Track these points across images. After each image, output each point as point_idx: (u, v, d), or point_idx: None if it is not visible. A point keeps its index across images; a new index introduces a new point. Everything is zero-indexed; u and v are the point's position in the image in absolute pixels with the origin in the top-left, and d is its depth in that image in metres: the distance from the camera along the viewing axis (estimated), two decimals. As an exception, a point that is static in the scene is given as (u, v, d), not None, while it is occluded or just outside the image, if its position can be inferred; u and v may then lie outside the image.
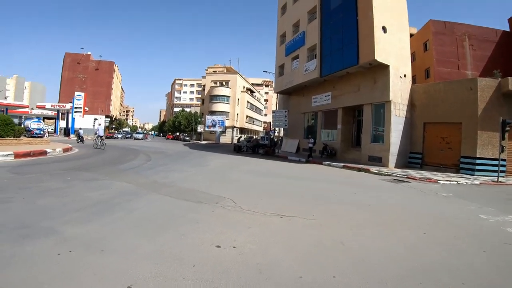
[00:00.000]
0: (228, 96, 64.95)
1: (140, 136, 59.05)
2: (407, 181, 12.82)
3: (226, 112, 63.37)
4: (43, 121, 46.72)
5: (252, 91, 79.97)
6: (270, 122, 35.05)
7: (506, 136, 14.18)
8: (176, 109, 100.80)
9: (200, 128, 63.47)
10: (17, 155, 12.90)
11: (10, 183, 7.78)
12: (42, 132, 27.96)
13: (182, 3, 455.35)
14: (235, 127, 65.41)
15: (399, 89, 18.72)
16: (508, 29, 32.33)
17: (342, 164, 18.12)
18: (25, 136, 28.62)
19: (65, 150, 17.41)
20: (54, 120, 56.30)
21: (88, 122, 52.18)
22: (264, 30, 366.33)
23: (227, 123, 61.05)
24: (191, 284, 2.99)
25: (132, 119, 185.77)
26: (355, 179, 13.03)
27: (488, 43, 31.46)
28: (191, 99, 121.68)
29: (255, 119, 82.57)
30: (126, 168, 12.17)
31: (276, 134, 32.98)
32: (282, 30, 31.60)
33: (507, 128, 13.91)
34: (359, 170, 16.23)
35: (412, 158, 19.08)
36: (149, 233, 4.51)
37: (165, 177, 10.17)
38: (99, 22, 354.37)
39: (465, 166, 16.49)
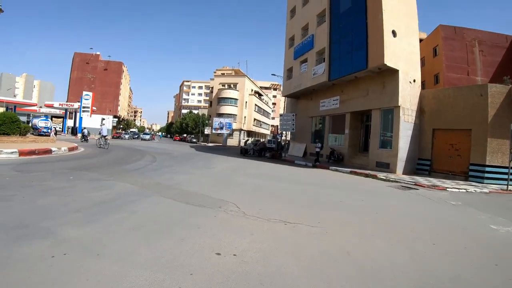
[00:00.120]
0: (236, 99, 64.88)
1: (147, 137, 59.15)
2: (415, 188, 12.54)
3: (233, 114, 63.27)
4: (51, 119, 47.09)
5: (260, 94, 79.87)
6: (278, 125, 34.88)
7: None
8: (184, 111, 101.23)
9: (207, 130, 63.50)
10: (21, 153, 12.88)
11: (13, 181, 7.73)
12: (49, 130, 28.05)
13: (192, 5, 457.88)
14: (242, 130, 65.29)
15: (408, 94, 18.43)
16: (518, 35, 31.88)
17: (349, 169, 17.87)
18: (32, 134, 28.78)
19: (71, 149, 17.42)
20: (62, 119, 56.66)
21: (96, 122, 52.55)
22: (273, 34, 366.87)
23: (234, 126, 60.93)
24: (187, 294, 2.83)
25: (140, 120, 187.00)
26: (362, 185, 12.77)
27: (498, 49, 31.08)
28: (199, 101, 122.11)
29: (263, 122, 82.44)
30: (131, 169, 12.08)
31: (284, 138, 32.75)
32: (291, 33, 31.44)
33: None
34: (367, 176, 15.97)
35: (420, 165, 18.75)
36: (148, 237, 4.36)
37: (169, 179, 10.05)
38: (108, 23, 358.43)
39: (474, 173, 16.11)
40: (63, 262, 3.32)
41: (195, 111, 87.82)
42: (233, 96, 64.72)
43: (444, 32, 31.08)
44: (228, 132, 58.31)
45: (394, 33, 17.99)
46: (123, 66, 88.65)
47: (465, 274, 3.82)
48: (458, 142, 17.12)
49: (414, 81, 18.94)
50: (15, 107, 41.55)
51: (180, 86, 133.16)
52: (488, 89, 16.03)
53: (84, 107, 51.82)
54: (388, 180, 14.71)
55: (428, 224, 6.47)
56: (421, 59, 20.55)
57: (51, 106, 55.02)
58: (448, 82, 28.65)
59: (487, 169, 15.62)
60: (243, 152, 29.41)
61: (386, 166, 18.30)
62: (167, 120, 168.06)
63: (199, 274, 3.26)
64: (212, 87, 72.35)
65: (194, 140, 61.87)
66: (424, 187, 13.07)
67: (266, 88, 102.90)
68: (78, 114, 53.11)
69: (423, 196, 10.71)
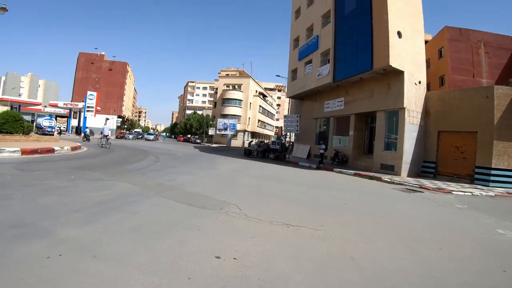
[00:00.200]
0: (240, 100, 64.84)
1: (151, 137, 59.24)
2: (420, 191, 12.36)
3: (238, 115, 63.23)
4: (56, 119, 47.24)
5: (264, 96, 79.79)
6: (282, 127, 34.80)
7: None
8: (188, 111, 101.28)
9: (211, 131, 63.49)
10: (24, 152, 12.85)
11: (14, 179, 7.69)
12: (53, 130, 28.14)
13: (197, 6, 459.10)
14: (246, 131, 65.23)
15: (414, 96, 18.24)
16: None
17: (353, 171, 17.70)
18: (37, 133, 28.85)
19: (74, 148, 17.40)
20: (66, 118, 56.89)
21: (100, 122, 52.63)
22: (278, 35, 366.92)
23: (238, 127, 60.87)
24: (184, 300, 2.72)
25: (145, 120, 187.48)
26: (366, 188, 12.62)
27: (504, 51, 30.81)
28: (204, 102, 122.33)
29: (267, 123, 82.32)
30: (133, 169, 12.00)
31: (288, 139, 32.66)
32: (296, 34, 31.34)
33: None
34: (371, 178, 15.80)
35: (425, 167, 18.54)
36: (147, 238, 4.26)
37: (171, 179, 9.96)
38: (113, 23, 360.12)
39: (479, 176, 15.87)
40: (58, 263, 3.23)
41: (199, 112, 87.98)
42: (238, 97, 64.68)
43: (449, 33, 30.85)
44: (232, 133, 58.24)
45: (399, 34, 17.83)
46: (127, 67, 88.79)
47: (472, 281, 3.69)
48: (464, 145, 16.90)
49: (420, 82, 18.74)
50: (19, 106, 41.66)
51: (185, 87, 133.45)
52: (494, 91, 15.80)
53: (88, 107, 51.96)
54: (393, 183, 14.54)
55: (434, 228, 6.33)
56: (426, 60, 20.37)
57: (55, 106, 55.22)
58: (454, 84, 28.43)
59: (493, 172, 15.38)
60: (247, 153, 29.37)
61: (391, 169, 18.11)
62: (172, 121, 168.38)
63: (197, 278, 3.15)
64: (217, 88, 72.35)
65: (198, 140, 61.92)
66: (429, 189, 12.89)
67: (270, 89, 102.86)
68: (82, 114, 53.28)
69: (428, 199, 10.54)
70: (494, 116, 15.54)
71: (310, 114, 29.16)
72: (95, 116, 53.04)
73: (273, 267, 3.61)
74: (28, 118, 49.45)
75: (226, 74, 78.54)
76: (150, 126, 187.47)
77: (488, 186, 15.00)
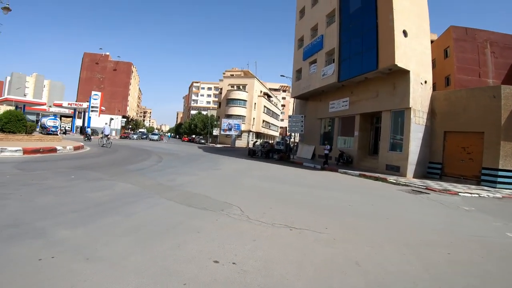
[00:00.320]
0: (245, 100, 64.67)
1: (156, 137, 59.24)
2: (426, 193, 12.14)
3: (242, 116, 63.06)
4: (60, 119, 47.38)
5: (269, 96, 79.59)
6: (286, 127, 34.63)
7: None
8: (193, 112, 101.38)
9: (215, 131, 63.46)
10: (26, 151, 12.79)
11: (13, 179, 7.60)
12: (57, 129, 28.25)
13: (201, 7, 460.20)
14: (251, 131, 65.05)
15: (419, 96, 17.99)
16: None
17: (358, 172, 17.49)
18: (41, 133, 28.92)
19: (76, 148, 17.33)
20: (71, 118, 57.07)
21: (104, 122, 52.69)
22: (283, 35, 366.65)
23: (243, 127, 60.73)
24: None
25: (149, 120, 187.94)
26: (371, 189, 12.42)
27: (510, 51, 30.37)
28: (208, 102, 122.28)
29: (272, 124, 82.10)
30: (135, 169, 11.88)
31: (292, 139, 32.46)
32: (300, 34, 31.15)
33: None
34: (376, 179, 15.59)
35: (431, 168, 18.28)
36: (143, 241, 4.11)
37: (172, 179, 9.81)
38: (118, 24, 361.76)
39: (486, 178, 15.61)
40: (50, 266, 3.13)
41: (204, 112, 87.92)
42: (242, 97, 64.52)
43: (455, 33, 30.49)
44: (236, 133, 58.13)
45: (405, 33, 17.59)
46: (132, 67, 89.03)
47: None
48: (470, 145, 16.63)
49: (426, 82, 18.49)
50: (24, 106, 41.79)
51: (189, 87, 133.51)
52: (501, 90, 15.53)
53: (92, 107, 52.08)
54: (398, 184, 14.32)
55: (441, 231, 6.12)
56: (432, 60, 20.12)
57: (60, 106, 55.39)
58: (459, 84, 28.08)
59: (500, 173, 15.13)
60: (251, 153, 29.27)
61: (396, 169, 17.87)
62: (176, 121, 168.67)
63: (193, 283, 2.99)
64: (221, 88, 72.26)
65: (203, 141, 61.89)
66: (436, 191, 12.68)
67: (275, 89, 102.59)
68: (86, 114, 53.41)
69: (435, 200, 10.34)
70: (501, 116, 15.28)
71: (315, 114, 28.96)
72: (99, 116, 53.13)
73: (273, 272, 3.43)
74: (33, 118, 49.92)
75: (230, 74, 78.40)
76: (155, 126, 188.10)
77: (495, 188, 14.76)
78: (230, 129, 57.45)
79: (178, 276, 3.13)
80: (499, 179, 15.10)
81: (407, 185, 13.98)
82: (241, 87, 66.93)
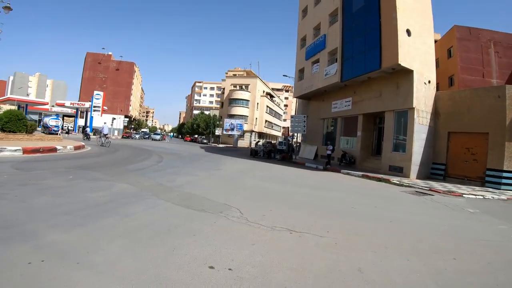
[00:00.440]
0: (248, 100, 64.57)
1: (158, 137, 59.21)
2: (430, 194, 11.94)
3: (245, 116, 62.97)
4: (63, 119, 47.44)
5: (271, 96, 79.48)
6: (289, 127, 34.49)
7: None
8: (196, 112, 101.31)
9: (218, 131, 63.36)
10: (25, 151, 12.69)
11: (10, 179, 7.50)
12: (59, 129, 28.30)
13: (204, 7, 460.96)
14: (253, 131, 64.95)
15: (423, 96, 17.78)
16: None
17: (361, 173, 17.30)
18: (43, 132, 28.89)
19: (77, 147, 17.23)
20: (73, 118, 57.15)
21: (107, 121, 52.71)
22: (285, 35, 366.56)
23: (245, 127, 60.63)
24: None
25: (152, 120, 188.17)
26: (374, 190, 12.23)
27: (514, 51, 30.13)
28: (211, 102, 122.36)
29: (274, 124, 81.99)
30: (135, 169, 11.75)
31: (295, 139, 32.33)
32: (303, 33, 30.99)
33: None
34: (379, 180, 15.40)
35: (434, 169, 18.06)
36: (137, 245, 3.95)
37: (172, 180, 9.67)
38: (120, 23, 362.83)
39: (490, 179, 15.38)
40: (38, 270, 3.01)
41: (207, 112, 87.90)
42: (245, 97, 64.41)
43: (459, 32, 30.25)
44: (239, 133, 58.03)
45: (408, 32, 17.39)
46: (135, 67, 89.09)
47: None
48: (475, 146, 16.40)
49: (429, 82, 18.27)
50: (26, 105, 41.93)
51: (192, 87, 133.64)
52: (506, 90, 15.29)
53: (95, 107, 52.09)
54: (402, 185, 14.12)
55: (447, 235, 5.92)
56: (435, 60, 19.91)
57: (62, 105, 55.51)
58: (463, 84, 27.84)
59: (505, 174, 14.89)
60: (253, 153, 29.16)
61: (399, 170, 17.67)
62: (179, 121, 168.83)
63: (185, 292, 2.82)
64: (224, 88, 72.25)
65: (205, 141, 61.81)
66: (440, 192, 12.47)
67: (278, 89, 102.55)
68: (89, 114, 53.46)
69: (439, 202, 10.15)
70: (506, 117, 15.05)
71: (317, 114, 28.78)
72: (101, 115, 53.13)
73: (271, 280, 3.24)
74: (35, 117, 50.01)
75: (233, 74, 78.35)
76: (158, 126, 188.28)
77: (500, 189, 14.53)
78: (232, 129, 57.36)
79: (170, 283, 2.96)
80: (504, 181, 14.86)
81: (411, 186, 13.78)
82: (243, 87, 66.84)
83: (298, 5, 32.84)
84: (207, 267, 3.42)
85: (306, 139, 31.48)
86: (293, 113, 50.28)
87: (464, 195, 12.11)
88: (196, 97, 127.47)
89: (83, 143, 20.55)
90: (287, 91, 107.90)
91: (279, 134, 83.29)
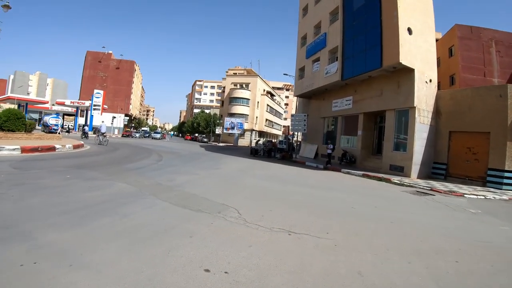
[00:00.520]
0: (248, 99, 64.47)
1: (158, 135, 59.17)
2: (431, 194, 11.85)
3: (245, 114, 62.88)
4: (63, 117, 47.40)
5: (272, 95, 79.35)
6: (289, 126, 34.39)
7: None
8: (196, 110, 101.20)
9: (218, 130, 63.28)
10: (24, 150, 12.65)
11: (7, 178, 7.44)
12: (58, 127, 28.33)
13: (204, 6, 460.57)
14: (254, 130, 64.85)
15: (424, 95, 17.66)
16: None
17: (361, 172, 17.21)
18: (43, 131, 28.86)
19: (76, 146, 17.17)
20: (74, 116, 57.15)
21: (107, 120, 52.67)
22: (286, 34, 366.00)
23: (246, 126, 60.54)
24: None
25: (152, 119, 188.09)
26: (375, 190, 12.14)
27: (516, 50, 29.95)
28: (211, 101, 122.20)
29: (275, 122, 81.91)
30: (133, 168, 11.70)
31: (295, 138, 32.23)
32: (303, 32, 30.84)
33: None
34: (380, 179, 15.31)
35: (435, 169, 17.95)
36: (132, 246, 3.88)
37: (171, 179, 9.59)
38: (120, 22, 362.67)
39: (492, 179, 15.27)
40: (30, 272, 2.96)
41: (207, 111, 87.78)
42: (245, 96, 64.32)
43: (460, 31, 30.05)
44: (239, 132, 57.96)
45: (409, 31, 17.27)
46: (135, 65, 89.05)
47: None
48: (476, 146, 16.28)
49: (430, 81, 18.15)
50: (26, 104, 41.90)
51: (193, 86, 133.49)
52: (508, 90, 15.16)
53: (95, 105, 52.06)
54: (403, 185, 14.03)
55: (448, 236, 5.82)
56: (436, 59, 19.78)
57: (62, 104, 55.52)
58: (464, 84, 27.66)
59: (506, 174, 14.78)
60: (253, 152, 29.05)
61: (400, 170, 17.57)
62: (179, 120, 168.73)
63: (180, 296, 2.74)
64: (224, 87, 72.20)
65: (205, 139, 61.72)
66: (441, 192, 12.38)
67: (278, 88, 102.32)
68: (89, 112, 53.43)
69: (440, 202, 10.06)
70: (507, 116, 14.94)
71: (318, 113, 28.68)
72: (101, 114, 53.07)
73: (268, 283, 3.16)
74: (35, 116, 49.99)
75: (233, 73, 78.24)
76: (158, 125, 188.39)
77: (501, 189, 14.42)
78: (233, 128, 57.31)
79: (164, 286, 2.89)
80: (505, 181, 14.76)
81: (412, 186, 13.69)
82: (244, 85, 66.73)
83: (298, 3, 32.71)
84: (203, 270, 3.34)
85: (307, 138, 31.37)
86: (293, 112, 50.18)
87: (465, 195, 12.02)
88: (196, 95, 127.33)
89: (82, 142, 20.48)
90: (287, 89, 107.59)
91: (280, 133, 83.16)
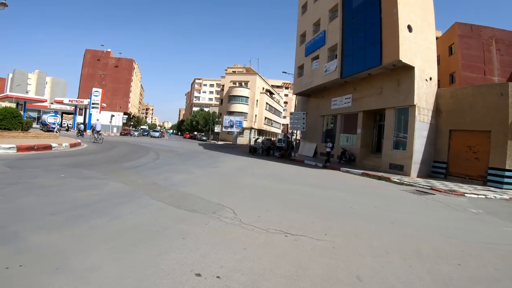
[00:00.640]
0: (247, 97, 64.38)
1: (157, 134, 59.02)
2: (431, 193, 11.70)
3: (244, 113, 62.80)
4: (61, 116, 47.22)
5: (271, 93, 79.24)
6: (288, 124, 34.32)
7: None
8: (195, 108, 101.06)
9: (217, 128, 63.19)
10: (19, 149, 12.50)
11: (1, 177, 7.29)
12: (56, 126, 28.29)
13: (204, 5, 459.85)
14: (253, 128, 64.76)
15: (424, 93, 17.51)
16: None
17: (361, 171, 17.07)
18: (42, 130, 28.71)
19: (72, 145, 16.99)
20: (72, 115, 56.98)
21: (105, 118, 52.52)
22: (285, 32, 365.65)
23: (245, 124, 60.46)
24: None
25: (152, 117, 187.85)
26: (375, 189, 12.00)
27: (516, 48, 29.83)
28: (210, 99, 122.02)
29: (274, 121, 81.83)
30: (130, 166, 11.55)
31: (294, 137, 32.11)
32: (302, 29, 30.66)
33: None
34: (379, 178, 15.17)
35: (435, 168, 17.82)
36: (122, 249, 3.72)
37: (166, 178, 9.43)
38: (119, 21, 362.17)
39: (492, 178, 15.13)
40: (14, 276, 2.84)
41: (206, 109, 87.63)
42: (244, 94, 64.22)
43: (460, 29, 29.92)
44: (238, 130, 57.91)
45: (409, 28, 17.11)
46: (134, 64, 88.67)
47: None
48: (477, 144, 16.14)
49: (431, 79, 18.00)
50: (25, 102, 41.66)
51: (192, 84, 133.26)
52: (509, 88, 15.01)
53: (93, 104, 51.89)
54: (402, 184, 13.90)
55: (450, 238, 5.66)
56: (436, 57, 19.63)
57: (60, 102, 55.36)
58: (464, 82, 27.54)
59: (507, 173, 14.64)
60: (252, 151, 28.92)
61: (400, 168, 17.43)
62: (179, 118, 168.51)
63: (168, 304, 2.58)
64: (223, 85, 72.05)
65: (204, 138, 61.61)
66: (441, 191, 12.25)
67: (277, 86, 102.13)
68: (87, 111, 53.25)
69: (441, 202, 9.92)
70: (508, 115, 14.80)
71: (317, 111, 28.53)
72: (100, 112, 52.86)
73: (263, 289, 3.00)
74: (34, 114, 49.81)
75: (232, 71, 78.09)
76: (158, 123, 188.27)
77: (502, 189, 14.30)
78: (231, 126, 57.24)
79: (152, 294, 2.73)
80: (506, 180, 14.62)
81: (412, 185, 13.56)
82: (243, 84, 66.59)
83: (297, 1, 32.53)
84: (194, 274, 3.18)
85: (306, 136, 31.20)
86: (292, 110, 50.10)
87: (466, 195, 11.89)
88: (195, 94, 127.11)
89: (79, 141, 20.33)
90: (287, 88, 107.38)
91: (279, 131, 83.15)
